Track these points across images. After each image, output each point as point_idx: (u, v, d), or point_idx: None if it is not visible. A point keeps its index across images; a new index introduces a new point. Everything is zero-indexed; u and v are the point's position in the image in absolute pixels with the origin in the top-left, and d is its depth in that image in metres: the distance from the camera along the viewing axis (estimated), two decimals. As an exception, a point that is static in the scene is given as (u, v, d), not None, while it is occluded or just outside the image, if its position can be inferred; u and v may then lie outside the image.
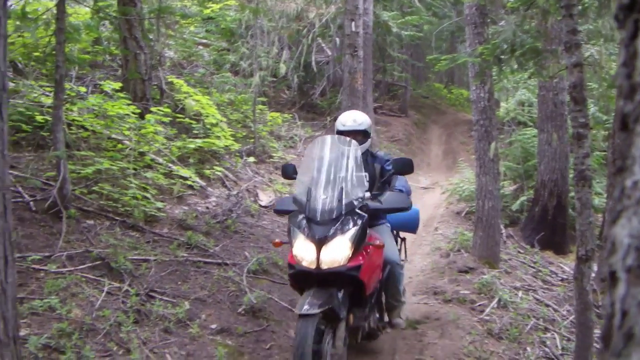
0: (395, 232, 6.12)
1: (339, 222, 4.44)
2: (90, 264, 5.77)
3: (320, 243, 4.35)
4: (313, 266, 4.34)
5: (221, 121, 11.04)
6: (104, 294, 5.33)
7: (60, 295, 5.06)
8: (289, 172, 5.26)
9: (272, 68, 16.18)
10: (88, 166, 7.26)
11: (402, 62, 23.16)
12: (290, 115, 16.05)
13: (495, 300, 7.33)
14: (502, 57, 7.50)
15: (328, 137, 5.14)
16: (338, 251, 4.36)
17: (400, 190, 5.28)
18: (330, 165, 4.81)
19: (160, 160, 8.73)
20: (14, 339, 3.29)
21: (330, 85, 19.36)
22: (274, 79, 17.46)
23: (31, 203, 6.43)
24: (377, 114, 20.13)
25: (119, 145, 8.29)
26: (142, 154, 8.44)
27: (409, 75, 24.20)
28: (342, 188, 4.58)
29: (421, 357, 5.79)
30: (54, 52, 6.90)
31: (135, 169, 7.82)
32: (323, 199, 4.55)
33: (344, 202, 4.51)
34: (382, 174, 5.55)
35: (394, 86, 24.41)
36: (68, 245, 6.00)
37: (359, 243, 4.48)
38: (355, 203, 4.59)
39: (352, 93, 16.17)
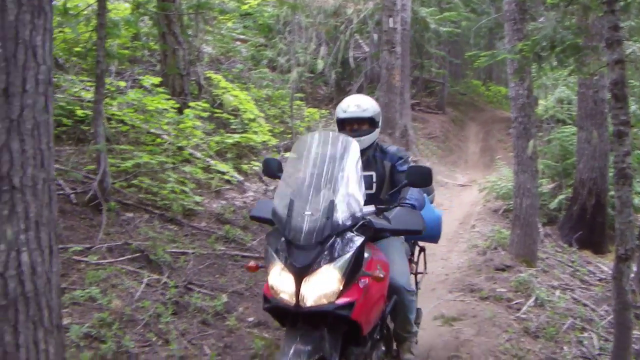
0: (412, 241, 5.17)
1: (326, 247, 3.36)
2: (129, 256, 5.87)
3: (301, 273, 3.31)
4: (292, 302, 3.33)
5: (259, 116, 11.09)
6: (143, 285, 5.42)
7: (100, 286, 5.15)
8: (273, 168, 4.17)
9: (309, 64, 16.20)
10: (127, 160, 7.35)
11: (440, 59, 23.03)
12: (328, 111, 16.05)
13: (532, 298, 7.26)
14: (542, 53, 7.42)
15: (319, 134, 4.03)
16: (324, 285, 3.32)
17: (413, 206, 4.11)
18: (319, 171, 3.70)
19: (199, 154, 8.81)
20: (57, 327, 3.37)
21: (367, 81, 19.31)
22: (312, 75, 17.46)
23: (72, 195, 6.54)
24: (415, 111, 20.08)
25: (158, 140, 8.38)
26: (180, 148, 8.53)
27: (447, 71, 24.06)
28: (332, 201, 3.47)
29: (457, 354, 5.76)
30: (94, 48, 7.01)
31: (173, 163, 7.91)
32: (307, 216, 3.45)
33: (334, 220, 3.42)
34: (392, 174, 4.54)
35: (432, 83, 24.29)
36: (108, 237, 6.10)
37: (353, 273, 3.43)
38: (350, 221, 3.51)
39: (389, 89, 16.20)
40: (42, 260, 3.22)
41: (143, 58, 11.83)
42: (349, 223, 3.49)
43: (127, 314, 4.91)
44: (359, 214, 3.57)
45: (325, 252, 3.35)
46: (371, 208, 3.81)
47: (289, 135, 12.22)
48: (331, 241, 3.39)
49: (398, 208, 3.90)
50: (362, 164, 4.08)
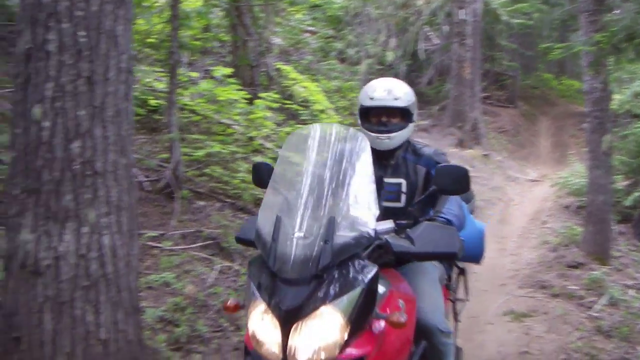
0: (448, 263, 4.03)
1: (325, 281, 2.47)
2: (201, 243, 5.96)
3: (290, 318, 2.41)
4: (279, 358, 2.46)
5: (328, 108, 11.11)
6: (215, 272, 5.51)
7: (174, 271, 5.25)
8: (264, 176, 3.18)
9: (378, 56, 16.14)
10: (199, 149, 7.46)
11: (511, 51, 22.65)
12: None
13: (605, 297, 7.10)
14: (620, 45, 7.22)
15: (317, 127, 3.05)
16: (321, 334, 2.41)
17: (448, 221, 3.17)
18: (317, 176, 2.80)
19: (269, 145, 8.87)
20: (135, 308, 3.47)
21: (437, 74, 19.16)
22: (381, 67, 17.40)
23: (146, 183, 6.68)
24: (485, 104, 19.82)
25: (229, 130, 8.47)
26: (251, 138, 8.60)
27: (518, 64, 23.65)
28: (333, 218, 2.57)
29: (527, 350, 5.69)
30: (167, 39, 7.14)
31: (244, 153, 7.99)
32: (299, 239, 2.56)
33: (335, 243, 2.51)
34: (427, 183, 3.52)
35: (503, 76, 23.89)
36: (181, 224, 6.21)
37: (362, 316, 2.51)
38: (357, 244, 2.61)
39: (459, 82, 16.09)
40: (123, 243, 3.33)
41: (213, 49, 11.98)
42: (356, 247, 2.61)
43: (200, 299, 5.00)
44: (371, 233, 2.67)
45: (323, 289, 2.46)
46: (389, 224, 2.84)
47: (358, 128, 12.21)
48: (331, 273, 2.50)
49: (425, 223, 2.91)
50: (390, 169, 3.55)
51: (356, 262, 2.57)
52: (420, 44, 17.77)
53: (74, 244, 3.13)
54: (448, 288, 4.06)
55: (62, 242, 3.12)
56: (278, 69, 11.73)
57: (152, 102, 7.93)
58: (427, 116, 16.86)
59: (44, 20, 3.14)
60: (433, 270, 3.53)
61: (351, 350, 2.47)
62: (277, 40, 14.00)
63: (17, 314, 3.20)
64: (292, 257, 2.50)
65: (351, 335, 2.45)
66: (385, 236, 2.79)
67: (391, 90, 3.50)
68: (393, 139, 3.50)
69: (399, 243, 2.79)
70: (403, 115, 3.53)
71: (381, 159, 3.39)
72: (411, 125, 3.57)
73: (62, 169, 3.12)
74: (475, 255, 4.09)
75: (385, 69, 17.81)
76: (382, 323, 2.61)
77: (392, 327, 2.57)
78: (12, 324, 3.22)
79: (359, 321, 2.48)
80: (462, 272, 4.43)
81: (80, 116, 3.15)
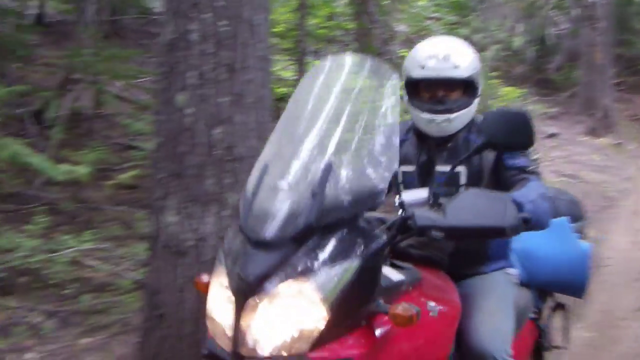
0: (540, 293, 3.11)
1: (305, 248, 1.83)
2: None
3: (247, 292, 1.80)
4: (229, 345, 1.84)
5: (453, 95, 10.99)
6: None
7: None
8: None
9: (505, 42, 15.78)
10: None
11: (646, 35, 21.61)
12: (525, 90, 15.59)
13: None
14: None
15: (341, 58, 2.43)
16: (288, 319, 1.77)
17: (518, 204, 2.04)
18: (322, 118, 2.11)
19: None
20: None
21: (566, 59, 18.54)
22: (508, 53, 17.02)
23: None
24: (617, 91, 19.02)
25: (354, 118, 8.52)
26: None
27: (653, 49, 22.54)
28: (329, 166, 1.91)
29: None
30: (294, 27, 7.25)
31: (370, 141, 8.02)
32: (282, 191, 1.94)
33: (326, 199, 1.86)
34: (497, 171, 2.53)
35: (636, 61, 22.82)
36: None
37: (353, 304, 1.85)
38: (355, 202, 1.92)
39: (590, 67, 15.52)
40: (261, 226, 3.41)
41: (337, 37, 12.06)
42: (357, 206, 1.94)
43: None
44: (380, 190, 1.97)
45: (301, 257, 1.81)
46: (421, 193, 2.35)
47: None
48: (318, 238, 1.85)
49: (468, 190, 2.07)
50: (445, 153, 2.65)
51: (358, 229, 1.93)
52: (548, 28, 17.25)
53: (215, 226, 3.24)
54: (536, 325, 3.15)
55: (204, 225, 3.23)
56: (403, 57, 11.67)
57: (279, 90, 8.07)
58: (555, 103, 16.35)
59: (186, 11, 3.26)
60: (508, 289, 2.68)
61: (332, 348, 1.80)
62: (401, 28, 13.95)
63: (160, 292, 3.35)
64: (269, 213, 1.89)
65: (334, 327, 1.78)
66: (412, 208, 2.09)
67: (449, 56, 2.53)
68: (454, 121, 2.58)
69: (426, 215, 1.98)
70: (466, 88, 2.60)
71: (434, 139, 2.67)
72: (476, 101, 2.63)
73: (204, 154, 3.23)
74: (577, 285, 3.03)
75: (512, 55, 17.44)
76: (383, 322, 1.92)
77: (398, 326, 1.84)
78: (155, 302, 3.37)
79: (347, 309, 1.82)
80: (559, 307, 3.40)
81: (221, 103, 3.24)
